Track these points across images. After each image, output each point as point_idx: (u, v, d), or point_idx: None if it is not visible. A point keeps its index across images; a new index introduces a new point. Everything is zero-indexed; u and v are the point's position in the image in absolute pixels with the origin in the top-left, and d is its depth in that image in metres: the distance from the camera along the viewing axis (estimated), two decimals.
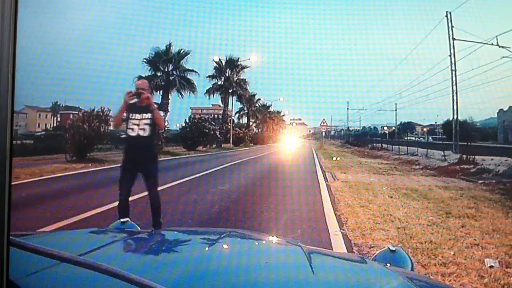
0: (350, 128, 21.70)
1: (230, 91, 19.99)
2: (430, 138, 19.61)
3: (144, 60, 17.39)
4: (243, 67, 19.98)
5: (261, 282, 0.88)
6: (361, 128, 21.10)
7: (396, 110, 18.42)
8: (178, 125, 18.85)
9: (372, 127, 21.12)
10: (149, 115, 3.85)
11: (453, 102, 14.21)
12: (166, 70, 17.79)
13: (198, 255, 1.07)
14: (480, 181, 9.17)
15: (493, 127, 17.23)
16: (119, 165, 4.05)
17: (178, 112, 18.14)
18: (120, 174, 3.90)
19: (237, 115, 21.80)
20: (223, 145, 19.66)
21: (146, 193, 3.99)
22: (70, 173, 8.93)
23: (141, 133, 3.83)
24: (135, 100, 3.90)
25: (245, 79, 20.19)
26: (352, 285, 0.94)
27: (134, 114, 3.86)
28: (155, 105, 3.95)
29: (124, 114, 3.89)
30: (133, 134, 3.85)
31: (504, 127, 16.17)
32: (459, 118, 14.64)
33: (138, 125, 3.84)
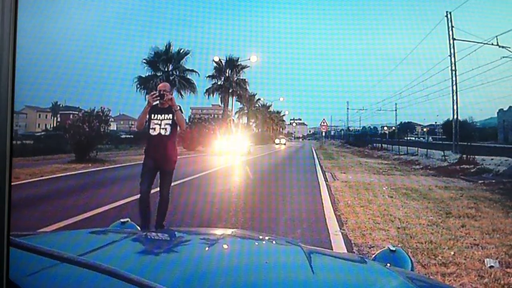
0: (350, 128, 21.70)
1: (230, 91, 19.98)
2: (430, 138, 19.61)
3: (144, 60, 17.39)
4: (243, 67, 19.96)
5: (261, 282, 0.88)
6: (361, 128, 21.10)
7: (396, 110, 18.42)
8: None
9: (372, 127, 21.11)
10: (170, 116, 3.96)
11: (453, 102, 14.22)
12: (166, 70, 17.78)
13: (198, 255, 1.07)
14: (480, 181, 9.16)
15: (493, 127, 17.23)
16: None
17: None
18: (142, 171, 4.01)
19: (237, 115, 21.80)
20: None
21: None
22: (70, 173, 8.92)
23: (162, 132, 3.95)
24: (158, 101, 3.98)
25: (245, 79, 20.17)
26: (352, 285, 0.94)
27: (156, 115, 3.97)
28: (178, 107, 4.00)
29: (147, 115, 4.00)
30: (154, 133, 3.96)
31: (504, 127, 16.17)
32: (459, 118, 14.66)
33: (159, 125, 3.95)
